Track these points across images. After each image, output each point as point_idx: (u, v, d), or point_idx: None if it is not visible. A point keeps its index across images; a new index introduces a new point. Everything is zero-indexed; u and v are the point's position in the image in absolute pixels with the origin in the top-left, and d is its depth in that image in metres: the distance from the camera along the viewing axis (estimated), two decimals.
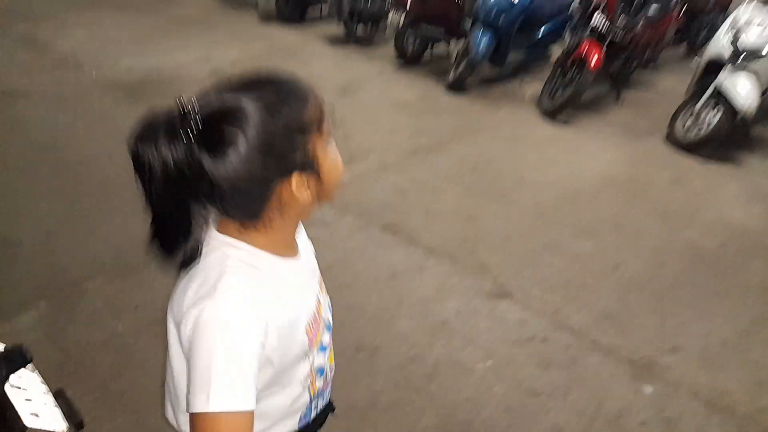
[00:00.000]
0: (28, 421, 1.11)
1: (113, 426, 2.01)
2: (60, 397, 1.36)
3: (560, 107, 5.05)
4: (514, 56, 5.70)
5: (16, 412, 1.10)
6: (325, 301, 1.08)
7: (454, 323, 2.70)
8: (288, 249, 0.96)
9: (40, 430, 1.15)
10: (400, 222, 3.44)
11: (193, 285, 0.84)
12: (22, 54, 5.15)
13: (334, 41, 6.69)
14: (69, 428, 1.38)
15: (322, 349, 1.04)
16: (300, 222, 0.99)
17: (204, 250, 0.87)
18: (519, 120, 5.17)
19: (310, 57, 6.14)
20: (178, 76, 5.08)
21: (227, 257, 0.86)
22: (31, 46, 5.40)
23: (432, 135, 4.69)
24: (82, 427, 1.38)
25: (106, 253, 2.84)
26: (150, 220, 0.82)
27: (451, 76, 5.58)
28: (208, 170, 0.75)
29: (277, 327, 0.86)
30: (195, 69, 5.32)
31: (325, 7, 7.26)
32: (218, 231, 0.89)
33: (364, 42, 6.67)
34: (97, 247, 2.87)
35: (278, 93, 0.81)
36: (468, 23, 5.43)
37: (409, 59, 6.19)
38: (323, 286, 1.08)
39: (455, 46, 5.76)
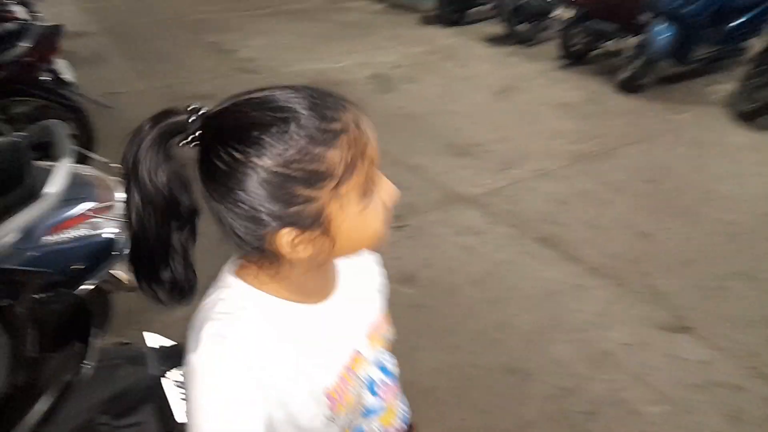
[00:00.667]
0: (180, 417, 1.15)
1: None
2: None
3: (760, 110, 4.31)
4: (699, 51, 5.02)
5: (170, 408, 1.14)
6: (375, 355, 0.85)
7: (619, 355, 2.39)
8: (309, 295, 0.76)
9: None
10: (559, 235, 3.17)
11: (189, 332, 0.72)
12: (210, 61, 5.73)
13: (495, 41, 6.48)
14: None
15: (368, 413, 0.85)
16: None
17: (209, 291, 0.75)
18: (706, 124, 4.52)
19: (468, 58, 6.01)
20: (339, 80, 5.27)
21: (218, 301, 0.72)
22: (218, 53, 6.00)
23: (599, 140, 4.29)
24: None
25: None
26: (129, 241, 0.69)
27: (623, 75, 5.08)
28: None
29: (281, 384, 0.70)
30: (356, 73, 5.48)
31: (487, 7, 7.08)
32: (233, 270, 0.75)
33: (526, 41, 6.37)
34: None
35: (296, 120, 0.62)
36: (645, 17, 4.89)
37: (574, 58, 5.77)
38: (379, 337, 0.87)
39: (628, 43, 5.23)
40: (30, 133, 1.99)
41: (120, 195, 2.03)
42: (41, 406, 0.86)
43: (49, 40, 3.14)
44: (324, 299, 0.78)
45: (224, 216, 0.65)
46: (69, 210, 1.87)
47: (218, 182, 0.63)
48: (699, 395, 2.22)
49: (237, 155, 0.61)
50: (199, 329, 0.69)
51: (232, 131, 0.63)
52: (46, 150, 1.90)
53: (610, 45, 5.70)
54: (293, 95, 0.64)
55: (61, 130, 1.94)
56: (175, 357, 1.19)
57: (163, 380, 1.20)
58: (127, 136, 0.66)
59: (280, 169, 0.61)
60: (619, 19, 5.21)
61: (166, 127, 0.66)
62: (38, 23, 3.34)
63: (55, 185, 1.76)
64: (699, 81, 5.25)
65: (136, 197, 0.65)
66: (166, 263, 0.70)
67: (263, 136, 0.61)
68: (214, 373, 0.67)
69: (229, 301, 0.71)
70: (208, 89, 4.99)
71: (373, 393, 0.85)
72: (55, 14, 5.27)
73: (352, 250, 0.72)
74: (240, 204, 0.63)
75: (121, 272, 2.14)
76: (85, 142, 3.35)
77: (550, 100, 5.01)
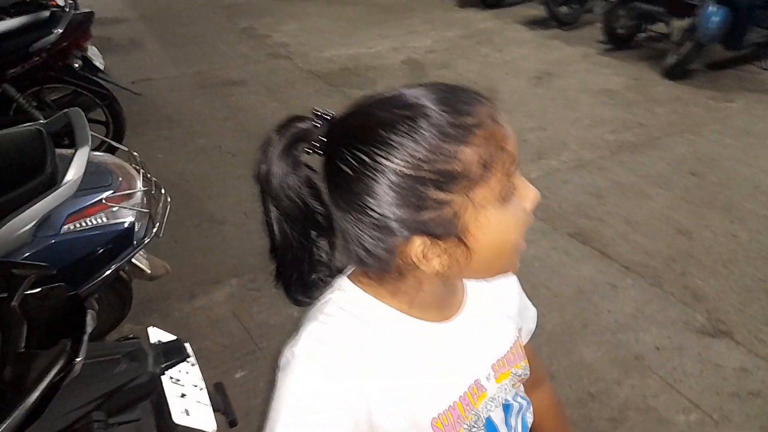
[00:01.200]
0: (177, 417, 1.13)
1: None
2: (218, 392, 1.39)
3: None
4: (753, 36, 4.71)
5: (167, 406, 1.12)
6: (501, 392, 0.75)
7: (651, 360, 2.28)
8: (431, 311, 0.70)
9: (190, 427, 1.16)
10: (592, 230, 3.03)
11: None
12: (243, 46, 5.73)
13: (535, 24, 6.25)
14: (224, 425, 1.41)
15: None
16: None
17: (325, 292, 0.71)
18: (758, 113, 4.26)
19: (506, 42, 5.83)
20: (372, 65, 5.19)
21: (328, 302, 0.68)
22: (251, 38, 5.99)
23: (641, 129, 4.09)
24: (235, 425, 1.39)
25: None
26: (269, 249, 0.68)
27: (670, 60, 4.83)
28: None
29: (377, 408, 0.64)
30: (389, 58, 5.38)
31: None
32: (350, 275, 0.70)
33: (568, 24, 6.12)
34: None
35: (425, 116, 0.57)
36: None
37: (617, 42, 5.52)
38: (508, 372, 0.76)
39: (676, 26, 4.95)
40: (51, 121, 2.00)
41: (141, 184, 2.04)
42: (27, 403, 0.85)
43: (81, 26, 3.18)
44: (447, 319, 0.71)
45: (350, 227, 0.61)
46: (88, 198, 1.87)
47: (344, 188, 0.59)
48: (733, 405, 2.09)
49: (363, 157, 0.57)
50: (303, 326, 0.67)
51: (358, 132, 0.59)
52: (73, 138, 1.92)
53: (657, 28, 5.42)
54: (422, 91, 0.59)
55: (81, 117, 1.95)
56: (175, 353, 1.17)
57: (162, 378, 1.18)
58: (257, 150, 0.63)
59: (409, 170, 0.56)
60: (667, 1, 4.94)
61: (293, 135, 0.62)
62: (71, 10, 3.37)
63: (73, 173, 1.76)
64: (751, 67, 4.94)
65: (274, 211, 0.64)
66: (313, 271, 0.69)
67: (391, 135, 0.57)
68: (300, 378, 0.63)
69: (339, 304, 0.67)
70: (241, 75, 5.00)
71: None
72: (92, 0, 5.36)
73: (489, 265, 0.64)
74: (368, 211, 0.58)
75: (142, 261, 2.16)
76: (116, 129, 3.40)
77: (591, 86, 4.80)
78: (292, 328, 2.22)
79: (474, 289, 0.75)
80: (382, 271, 0.64)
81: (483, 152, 0.57)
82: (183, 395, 1.18)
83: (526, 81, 4.89)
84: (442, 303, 0.71)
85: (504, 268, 0.66)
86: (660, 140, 3.94)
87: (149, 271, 2.16)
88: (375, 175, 0.57)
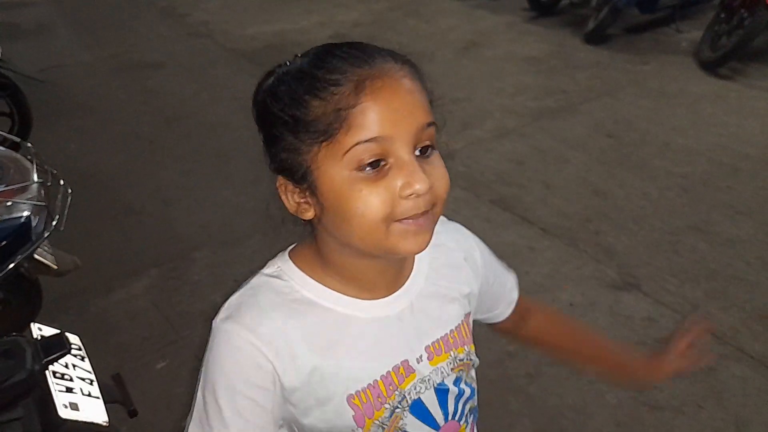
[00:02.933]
0: (64, 412, 1.10)
1: None
2: (117, 383, 1.36)
3: (724, 57, 4.23)
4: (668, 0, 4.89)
5: (53, 403, 1.10)
6: (435, 374, 0.75)
7: None
8: (363, 288, 0.70)
9: (78, 421, 1.14)
10: (513, 196, 3.12)
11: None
12: (161, 26, 5.51)
13: None
14: (122, 417, 1.40)
15: None
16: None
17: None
18: (671, 74, 4.44)
19: (434, 13, 5.82)
20: (297, 41, 5.09)
21: (260, 273, 0.72)
22: (170, 18, 5.76)
23: (562, 95, 4.20)
24: (135, 415, 1.38)
25: (214, 223, 2.93)
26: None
27: (590, 25, 4.95)
28: None
29: (295, 384, 0.66)
30: (315, 33, 5.30)
31: None
32: (288, 250, 0.75)
33: None
34: (206, 217, 2.97)
35: (301, 60, 0.64)
36: None
37: (541, 9, 5.61)
38: (448, 354, 0.76)
39: None
40: None
41: (36, 177, 1.94)
42: None
43: None
44: (381, 297, 0.72)
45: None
46: None
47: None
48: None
49: (263, 97, 0.65)
50: (234, 295, 0.70)
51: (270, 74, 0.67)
52: None
53: None
54: (327, 43, 0.65)
55: None
56: (57, 346, 1.13)
57: (46, 373, 1.15)
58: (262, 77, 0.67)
59: (270, 101, 0.63)
60: None
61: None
62: None
63: None
64: (666, 30, 5.13)
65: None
66: None
67: (275, 69, 0.66)
68: (221, 352, 0.66)
69: (265, 277, 0.71)
70: (159, 57, 4.81)
71: (422, 418, 0.74)
72: None
73: (348, 231, 0.63)
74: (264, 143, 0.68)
75: (46, 256, 2.07)
76: (21, 120, 3.22)
77: (515, 55, 4.88)
78: (214, 315, 2.18)
79: (430, 268, 0.77)
80: (295, 224, 0.70)
81: (331, 110, 0.59)
82: (70, 389, 1.16)
83: (453, 52, 4.92)
84: (375, 279, 0.71)
85: (371, 240, 0.63)
86: (580, 105, 4.06)
87: (56, 267, 2.08)
88: (263, 111, 0.65)
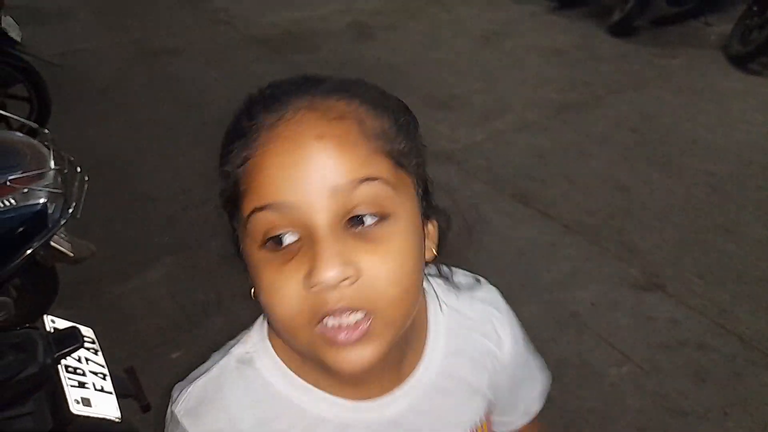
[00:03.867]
0: (75, 408, 1.08)
1: None
2: (130, 377, 1.34)
3: (754, 52, 4.10)
4: None
5: (64, 396, 1.08)
6: None
7: (587, 316, 2.32)
8: (346, 384, 0.56)
9: (90, 417, 1.12)
10: (534, 191, 3.05)
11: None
12: (182, 12, 5.48)
13: None
14: (135, 411, 1.38)
15: None
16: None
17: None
18: (699, 69, 4.31)
19: (455, 2, 5.71)
20: (316, 29, 5.04)
21: (227, 353, 0.60)
22: (190, 4, 5.72)
23: (586, 88, 4.10)
24: (148, 410, 1.36)
25: None
26: None
27: (616, 16, 4.83)
28: None
29: None
30: (335, 21, 5.23)
31: None
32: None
33: None
34: None
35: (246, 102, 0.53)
36: None
37: (566, 0, 5.48)
38: None
39: None
40: None
41: (53, 164, 1.93)
42: None
43: None
44: (377, 393, 0.57)
45: None
46: None
47: None
48: (664, 355, 2.16)
49: None
50: (188, 380, 0.58)
51: None
52: None
53: None
54: (287, 77, 0.53)
55: None
56: (70, 340, 1.11)
57: (58, 367, 1.12)
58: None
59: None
60: None
61: None
62: None
63: None
64: (694, 23, 4.98)
65: None
66: None
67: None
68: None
69: (235, 363, 0.58)
70: (179, 43, 4.79)
71: None
72: None
73: (278, 333, 0.51)
74: None
75: (63, 243, 2.06)
76: (40, 105, 3.22)
77: (538, 45, 4.78)
78: (230, 305, 2.16)
79: (447, 352, 0.61)
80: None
81: (231, 168, 0.49)
82: (82, 384, 1.14)
83: (473, 41, 4.83)
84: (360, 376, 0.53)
85: (302, 347, 0.49)
86: (603, 98, 3.96)
87: (72, 254, 2.07)
88: None
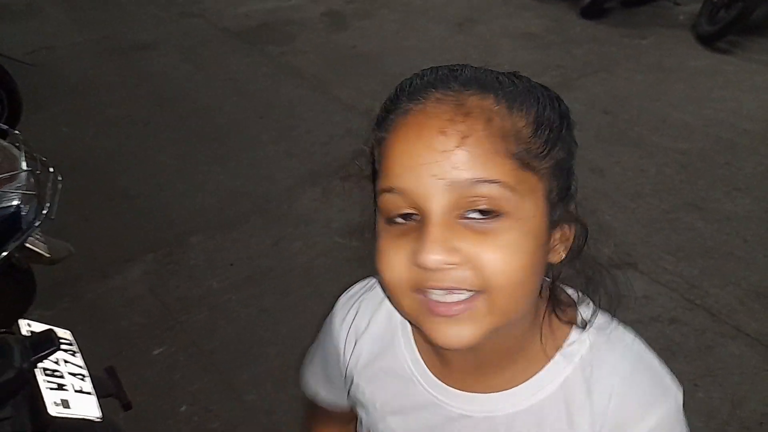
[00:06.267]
0: (54, 410, 1.10)
1: (201, 385, 2.06)
2: (111, 376, 1.36)
3: (722, 31, 4.16)
4: None
5: (42, 400, 1.09)
6: None
7: None
8: (439, 363, 0.62)
9: (69, 419, 1.14)
10: None
11: None
12: (152, 6, 5.39)
13: None
14: (117, 410, 1.40)
15: None
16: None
17: None
18: (668, 48, 4.38)
19: None
20: (290, 19, 5.01)
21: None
22: None
23: (558, 71, 4.15)
24: (129, 408, 1.38)
25: (210, 207, 2.91)
26: None
27: None
28: None
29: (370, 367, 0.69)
30: (309, 11, 5.20)
31: None
32: None
33: None
34: (202, 201, 2.95)
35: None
36: None
37: None
38: None
39: None
40: None
41: (25, 165, 1.91)
42: None
43: None
44: (471, 387, 0.60)
45: None
46: None
47: None
48: (637, 330, 2.21)
49: None
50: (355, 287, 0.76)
51: None
52: None
53: None
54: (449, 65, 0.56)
55: None
56: (46, 344, 1.12)
57: (35, 371, 1.14)
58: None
59: None
60: None
61: None
62: None
63: None
64: (664, 3, 5.05)
65: None
66: None
67: None
68: (325, 326, 0.76)
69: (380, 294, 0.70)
70: (151, 37, 4.73)
71: None
72: None
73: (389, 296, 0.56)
74: None
75: (38, 245, 2.06)
76: (11, 105, 3.17)
77: (511, 30, 4.81)
78: (213, 301, 2.18)
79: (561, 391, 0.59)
80: None
81: (374, 148, 0.54)
82: (61, 386, 1.15)
83: (448, 28, 4.84)
84: (452, 360, 0.61)
85: (404, 311, 0.54)
86: (576, 81, 4.01)
87: (48, 255, 2.06)
88: None
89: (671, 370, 2.10)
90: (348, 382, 0.71)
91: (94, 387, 1.20)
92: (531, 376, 0.58)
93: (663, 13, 4.95)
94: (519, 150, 0.48)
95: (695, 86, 3.84)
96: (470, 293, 0.49)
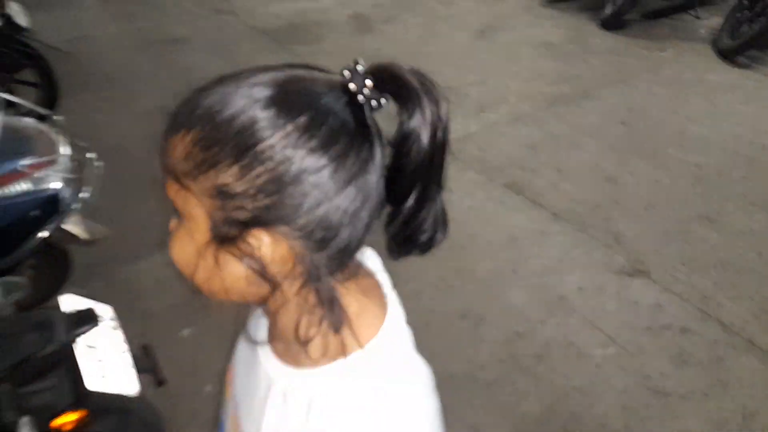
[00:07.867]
0: (91, 384, 1.17)
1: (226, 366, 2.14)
2: (146, 353, 1.44)
3: (743, 46, 4.20)
4: None
5: (80, 375, 1.17)
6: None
7: (574, 300, 2.44)
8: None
9: (107, 393, 1.21)
10: (525, 180, 3.16)
11: None
12: (187, 2, 5.50)
13: None
14: (150, 386, 1.47)
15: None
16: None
17: None
18: (688, 62, 4.42)
19: None
20: (318, 21, 5.10)
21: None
22: None
23: (577, 81, 4.20)
24: (162, 384, 1.45)
25: None
26: None
27: (608, 10, 4.92)
28: None
29: None
30: (336, 13, 5.29)
31: None
32: None
33: None
34: None
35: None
36: None
37: None
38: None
39: None
40: None
41: (65, 149, 2.01)
42: None
43: None
44: (257, 340, 0.71)
45: None
46: (4, 167, 1.84)
47: None
48: (647, 338, 2.28)
49: None
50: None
51: None
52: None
53: None
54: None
55: None
56: (87, 321, 1.20)
57: (74, 346, 1.21)
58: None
59: None
60: None
61: None
62: None
63: None
64: (685, 16, 5.08)
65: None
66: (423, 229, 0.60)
67: None
68: None
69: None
70: (184, 32, 4.84)
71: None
72: None
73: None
74: None
75: (76, 227, 2.15)
76: (48, 91, 3.29)
77: (531, 39, 4.87)
78: None
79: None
80: None
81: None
82: (100, 360, 1.23)
83: (470, 35, 4.92)
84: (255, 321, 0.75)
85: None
86: (594, 91, 4.06)
87: (85, 237, 2.16)
88: None
89: (682, 378, 2.13)
90: None
91: (133, 362, 1.28)
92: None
93: (683, 27, 4.98)
94: (174, 168, 0.56)
95: (714, 100, 3.88)
96: None
